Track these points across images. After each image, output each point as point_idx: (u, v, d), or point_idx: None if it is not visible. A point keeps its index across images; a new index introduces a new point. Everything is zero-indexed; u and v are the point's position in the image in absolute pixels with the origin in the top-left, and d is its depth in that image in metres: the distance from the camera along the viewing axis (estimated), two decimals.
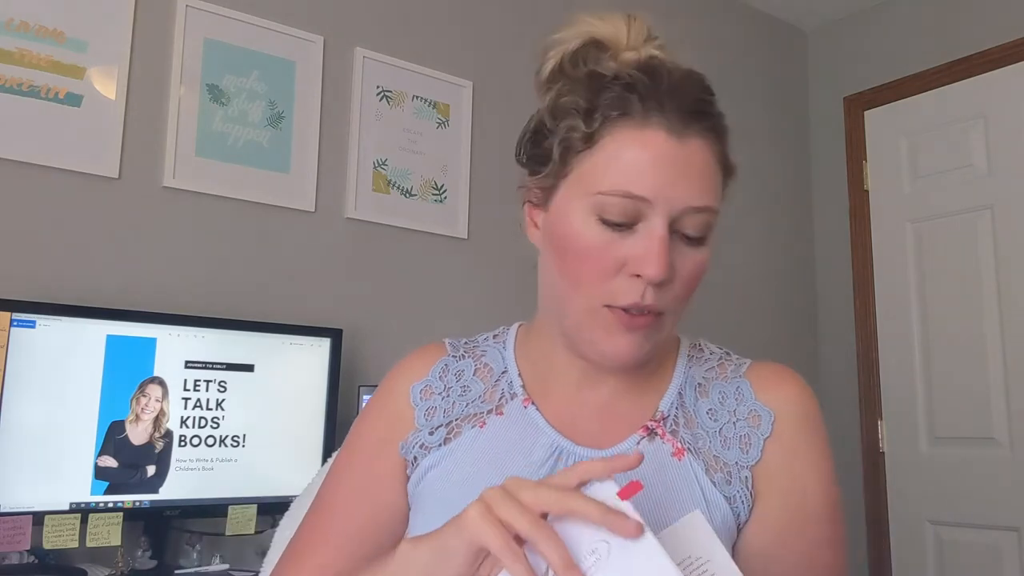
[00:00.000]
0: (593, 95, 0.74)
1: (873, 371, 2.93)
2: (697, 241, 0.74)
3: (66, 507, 1.53)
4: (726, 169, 0.76)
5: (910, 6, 2.98)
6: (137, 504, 1.61)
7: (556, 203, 0.76)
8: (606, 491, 0.60)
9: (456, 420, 0.81)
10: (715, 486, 0.74)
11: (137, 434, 1.62)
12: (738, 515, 0.74)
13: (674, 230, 0.72)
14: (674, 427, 0.78)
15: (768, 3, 3.12)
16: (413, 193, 2.23)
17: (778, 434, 0.76)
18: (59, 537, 1.50)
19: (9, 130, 1.70)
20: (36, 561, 1.55)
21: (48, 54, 1.76)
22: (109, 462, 1.58)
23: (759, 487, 0.75)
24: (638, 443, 0.77)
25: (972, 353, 2.68)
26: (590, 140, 0.73)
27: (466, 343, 0.88)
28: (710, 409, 0.79)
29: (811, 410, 0.79)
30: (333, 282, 2.08)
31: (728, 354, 0.84)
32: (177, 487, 1.65)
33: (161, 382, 1.66)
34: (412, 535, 0.77)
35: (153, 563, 1.67)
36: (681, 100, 0.73)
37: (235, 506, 1.70)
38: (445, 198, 2.29)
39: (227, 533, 1.69)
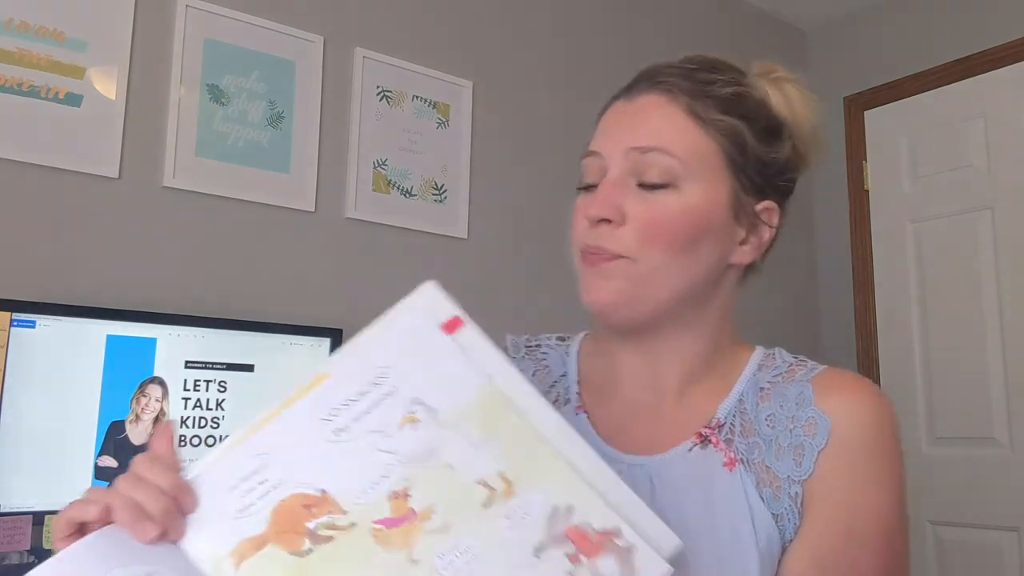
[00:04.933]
0: None
1: (873, 371, 2.93)
2: (657, 187, 0.74)
3: None
4: (705, 121, 0.76)
5: (910, 6, 2.98)
6: None
7: None
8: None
9: None
10: (763, 502, 0.69)
11: (137, 434, 1.62)
12: (783, 533, 0.69)
13: (639, 181, 0.75)
14: (729, 435, 0.74)
15: (768, 3, 3.12)
16: (413, 193, 2.23)
17: (834, 446, 0.70)
18: None
19: (9, 130, 1.70)
20: (36, 561, 1.54)
21: (48, 54, 1.76)
22: (109, 462, 1.58)
23: (808, 503, 0.69)
24: (689, 450, 0.73)
25: (972, 353, 2.68)
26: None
27: (528, 344, 0.88)
28: (769, 415, 0.74)
29: (879, 424, 0.71)
30: (333, 282, 2.08)
31: (803, 361, 0.78)
32: None
33: (161, 382, 1.66)
34: None
35: None
36: (643, 76, 0.79)
37: None
38: (445, 198, 2.29)
39: None
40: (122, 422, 1.60)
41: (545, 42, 2.54)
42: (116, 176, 1.81)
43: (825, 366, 0.76)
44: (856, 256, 3.03)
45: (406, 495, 0.58)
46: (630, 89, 0.79)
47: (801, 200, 3.42)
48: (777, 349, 0.81)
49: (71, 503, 0.61)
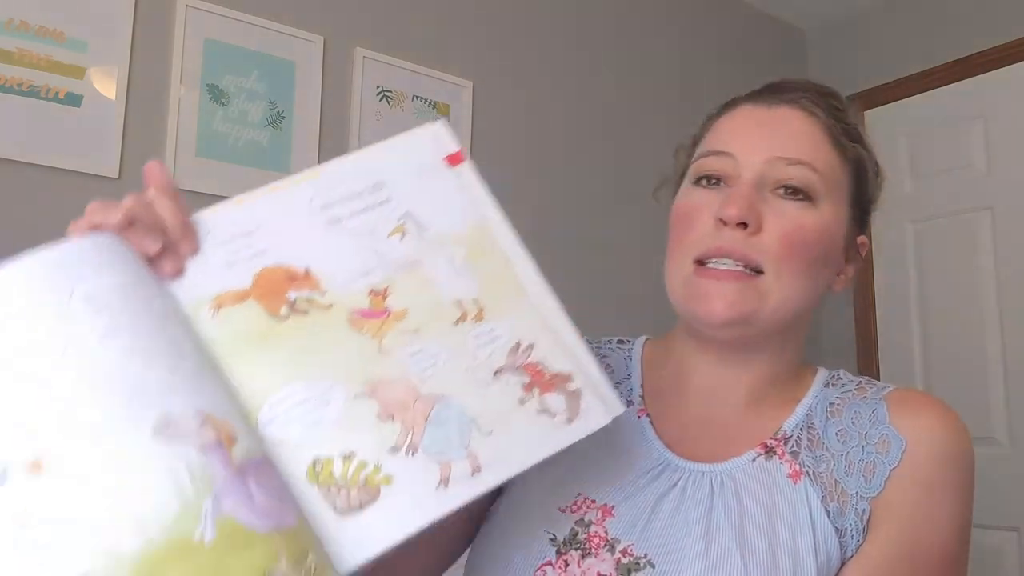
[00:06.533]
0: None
1: (873, 371, 2.93)
2: (797, 196, 0.72)
3: None
4: (843, 147, 0.75)
5: (910, 6, 2.98)
6: None
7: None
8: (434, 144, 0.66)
9: None
10: (828, 516, 0.68)
11: None
12: (845, 549, 0.68)
13: (775, 188, 0.73)
14: (795, 448, 0.72)
15: (768, 3, 3.12)
16: None
17: (907, 466, 0.69)
18: None
19: (9, 130, 1.70)
20: None
21: (48, 54, 1.76)
22: None
23: (874, 521, 0.68)
24: (753, 460, 0.72)
25: (972, 353, 2.68)
26: (696, 140, 0.79)
27: (588, 344, 0.87)
28: (840, 430, 0.72)
29: (954, 449, 0.70)
30: None
31: (870, 380, 0.78)
32: None
33: None
34: (499, 515, 0.76)
35: None
36: (777, 89, 0.77)
37: None
38: None
39: None
40: None
41: (545, 42, 2.54)
42: (116, 176, 1.81)
43: (893, 385, 0.76)
44: None
45: (385, 295, 0.61)
46: (765, 99, 0.77)
47: None
48: (840, 370, 0.81)
49: (90, 208, 0.59)
